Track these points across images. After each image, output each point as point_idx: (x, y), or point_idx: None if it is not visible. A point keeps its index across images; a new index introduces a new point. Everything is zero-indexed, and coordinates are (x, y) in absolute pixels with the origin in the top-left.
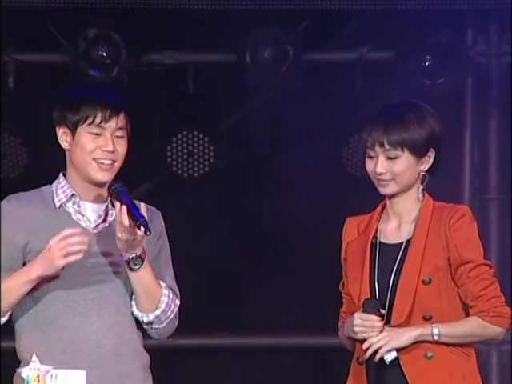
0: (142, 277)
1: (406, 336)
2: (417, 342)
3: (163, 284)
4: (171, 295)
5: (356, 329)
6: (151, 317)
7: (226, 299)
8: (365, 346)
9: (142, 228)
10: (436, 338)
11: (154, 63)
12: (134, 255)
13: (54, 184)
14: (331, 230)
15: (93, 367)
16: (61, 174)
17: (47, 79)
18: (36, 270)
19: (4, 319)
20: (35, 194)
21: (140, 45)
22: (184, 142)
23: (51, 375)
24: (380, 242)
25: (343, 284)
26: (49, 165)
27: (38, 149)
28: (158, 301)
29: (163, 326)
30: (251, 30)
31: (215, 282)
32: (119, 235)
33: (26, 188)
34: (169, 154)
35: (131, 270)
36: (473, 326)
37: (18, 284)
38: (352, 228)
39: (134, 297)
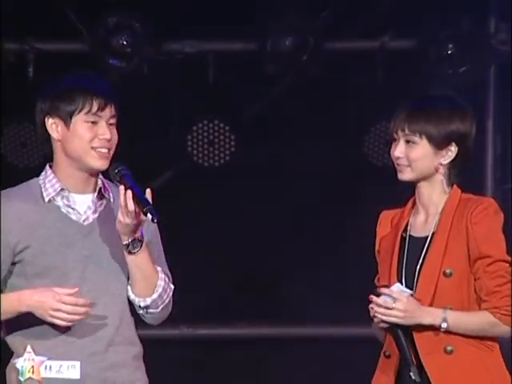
0: (140, 260)
1: (417, 320)
2: (436, 335)
3: (159, 268)
4: (167, 279)
5: (371, 313)
6: (148, 301)
7: (249, 289)
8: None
9: (149, 215)
10: (443, 330)
11: (174, 52)
12: (133, 238)
13: (41, 177)
14: (353, 220)
15: (87, 358)
16: (47, 167)
17: (67, 68)
18: (26, 305)
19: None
20: (24, 189)
21: (160, 33)
22: (205, 131)
23: (45, 366)
24: (409, 236)
25: (378, 278)
26: None
27: None
28: (155, 285)
29: (158, 310)
30: (272, 18)
31: (235, 272)
32: (121, 219)
33: None
34: (189, 143)
35: (130, 253)
36: (482, 321)
37: (8, 312)
38: (386, 222)
39: (129, 282)
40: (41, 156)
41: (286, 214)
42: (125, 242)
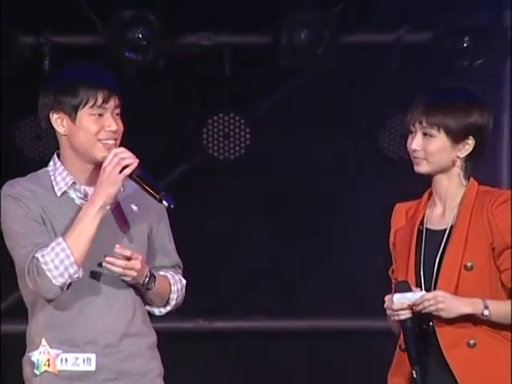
0: (155, 288)
1: (457, 311)
2: (458, 328)
3: (169, 276)
4: (178, 285)
5: (388, 312)
6: (163, 311)
7: (264, 282)
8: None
9: (165, 202)
10: (484, 318)
11: (190, 45)
12: (146, 278)
13: (50, 168)
14: (368, 213)
15: (101, 351)
16: (56, 158)
17: (82, 61)
18: (99, 196)
19: (81, 272)
20: (33, 180)
21: (176, 26)
22: (220, 124)
23: (61, 359)
24: (426, 229)
25: (393, 270)
26: None
27: None
28: (168, 298)
29: (173, 309)
30: (288, 11)
31: (251, 265)
32: (128, 279)
33: None
34: (205, 136)
35: (148, 289)
36: None
37: (88, 220)
38: (401, 214)
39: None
40: (56, 148)
41: (300, 206)
42: (141, 284)
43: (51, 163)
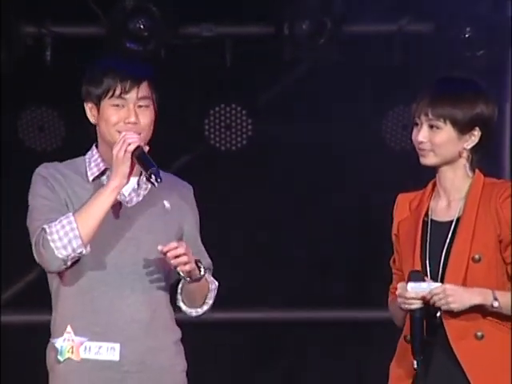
0: (201, 281)
1: (467, 303)
2: (466, 321)
3: (208, 275)
4: (213, 286)
5: (399, 299)
6: (200, 311)
7: (265, 271)
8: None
9: (153, 176)
10: (493, 309)
11: (191, 36)
12: (196, 271)
13: (87, 156)
14: (370, 203)
15: (126, 341)
16: (94, 146)
17: (84, 52)
18: (113, 177)
19: (87, 250)
20: (69, 166)
21: (178, 17)
22: (222, 115)
23: (85, 347)
24: (431, 220)
25: (394, 260)
26: (86, 138)
27: (75, 122)
28: (206, 296)
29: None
30: (289, 2)
31: (254, 254)
32: (188, 268)
33: (64, 160)
34: (206, 127)
35: (201, 277)
36: None
37: (101, 199)
38: (403, 205)
39: (182, 297)
40: (58, 140)
41: (302, 197)
42: (195, 279)
43: (89, 152)
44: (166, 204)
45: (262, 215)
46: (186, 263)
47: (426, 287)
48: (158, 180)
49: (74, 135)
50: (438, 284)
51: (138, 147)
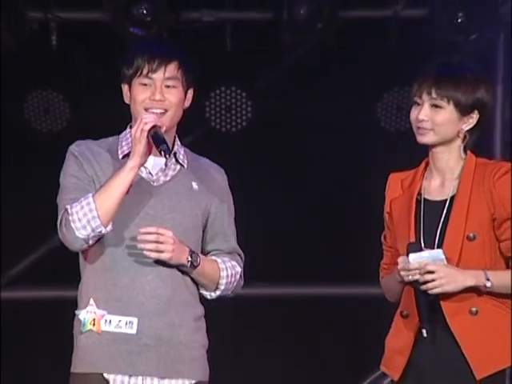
0: (202, 269)
1: (461, 284)
2: (461, 297)
3: (220, 261)
4: (230, 271)
5: (402, 273)
6: (213, 295)
7: (267, 247)
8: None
9: (163, 153)
10: (486, 289)
11: (192, 21)
12: (188, 256)
13: (121, 135)
14: (365, 183)
15: (145, 316)
16: (128, 126)
17: (89, 36)
18: (131, 157)
19: (108, 229)
20: (102, 144)
21: (179, 2)
22: (222, 97)
23: (105, 320)
24: (424, 199)
25: (385, 236)
26: (90, 119)
27: (79, 104)
28: (217, 283)
29: (229, 293)
30: None
31: (258, 234)
32: (167, 256)
33: (69, 141)
34: (207, 109)
35: (195, 267)
36: None
37: (120, 178)
38: (395, 184)
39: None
40: (64, 121)
41: (301, 178)
42: (187, 262)
43: (124, 131)
44: (194, 185)
45: (262, 195)
46: (157, 251)
47: (427, 255)
48: (167, 156)
49: (78, 117)
50: (439, 250)
51: (154, 126)
